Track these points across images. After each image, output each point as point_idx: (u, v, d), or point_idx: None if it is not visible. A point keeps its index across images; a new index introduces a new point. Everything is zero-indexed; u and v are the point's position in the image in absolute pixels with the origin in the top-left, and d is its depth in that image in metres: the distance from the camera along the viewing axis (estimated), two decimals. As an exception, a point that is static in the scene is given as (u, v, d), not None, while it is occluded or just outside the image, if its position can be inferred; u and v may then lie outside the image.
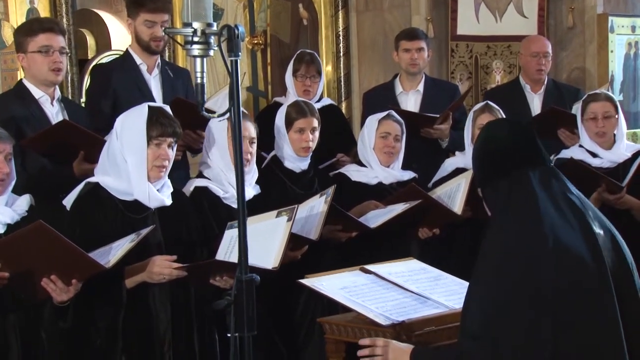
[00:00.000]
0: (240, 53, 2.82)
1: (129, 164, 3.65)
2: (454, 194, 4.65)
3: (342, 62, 7.48)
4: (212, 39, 2.87)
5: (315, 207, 4.24)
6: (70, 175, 4.17)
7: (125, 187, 3.67)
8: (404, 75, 5.84)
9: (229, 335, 2.82)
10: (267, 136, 4.80)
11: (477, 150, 3.04)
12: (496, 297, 2.76)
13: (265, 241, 3.71)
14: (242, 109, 4.04)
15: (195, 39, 2.86)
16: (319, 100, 5.62)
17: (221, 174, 4.19)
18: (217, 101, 5.26)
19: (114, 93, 4.84)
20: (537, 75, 6.02)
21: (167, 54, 6.52)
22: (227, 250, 3.72)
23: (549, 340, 2.72)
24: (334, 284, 3.40)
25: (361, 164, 4.95)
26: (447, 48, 7.14)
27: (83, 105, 5.77)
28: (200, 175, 4.29)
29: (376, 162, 4.87)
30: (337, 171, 4.99)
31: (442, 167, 5.13)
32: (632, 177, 4.81)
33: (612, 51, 6.96)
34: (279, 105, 4.96)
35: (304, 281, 3.48)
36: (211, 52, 2.90)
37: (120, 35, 8.48)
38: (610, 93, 5.36)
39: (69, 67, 5.28)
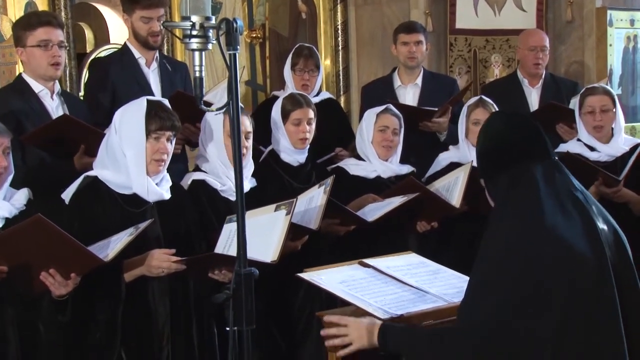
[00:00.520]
0: (238, 47, 2.83)
1: (128, 158, 3.65)
2: (452, 187, 4.65)
3: (340, 56, 7.48)
4: (211, 33, 2.87)
5: (315, 197, 4.25)
6: (70, 169, 4.17)
7: (124, 181, 3.67)
8: (403, 69, 5.84)
9: (227, 329, 2.82)
10: (265, 130, 4.79)
11: (478, 144, 3.04)
12: (496, 292, 2.76)
13: (264, 235, 3.71)
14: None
15: (194, 32, 2.85)
16: (317, 94, 5.62)
17: (218, 167, 4.19)
18: (217, 94, 5.25)
19: (112, 87, 4.84)
20: (534, 69, 6.02)
21: (165, 48, 6.52)
22: (225, 243, 3.72)
23: (548, 337, 2.72)
24: (333, 278, 3.39)
25: (359, 158, 4.94)
26: (446, 42, 7.14)
27: (81, 98, 5.76)
28: (197, 168, 4.29)
29: (374, 156, 4.87)
30: (335, 165, 4.99)
31: (436, 162, 5.13)
32: (629, 171, 4.80)
33: (610, 45, 6.96)
34: (277, 99, 4.96)
35: (303, 275, 3.47)
36: (210, 46, 2.90)
37: (119, 29, 8.46)
38: (608, 87, 5.35)
39: (67, 60, 5.27)
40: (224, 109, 2.85)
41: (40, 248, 3.25)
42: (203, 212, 4.09)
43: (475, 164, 4.64)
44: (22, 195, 3.61)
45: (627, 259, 2.89)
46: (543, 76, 6.07)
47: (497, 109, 4.93)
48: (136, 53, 4.94)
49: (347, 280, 3.44)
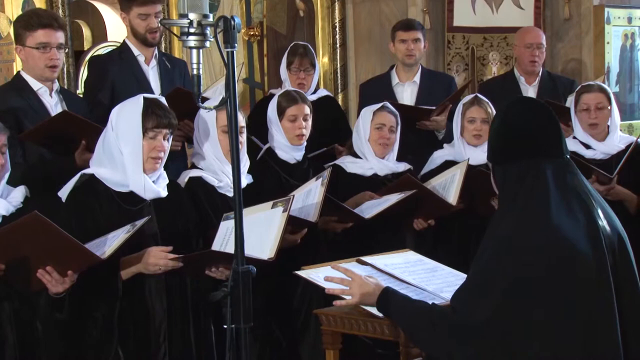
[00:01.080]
0: (236, 44, 2.83)
1: (125, 156, 3.65)
2: (448, 185, 4.66)
3: (338, 54, 7.47)
4: (208, 30, 2.87)
5: (312, 190, 4.26)
6: (70, 166, 4.16)
7: (121, 179, 3.67)
8: (400, 67, 5.84)
9: (225, 326, 2.82)
10: (263, 128, 4.80)
11: (494, 125, 3.00)
12: (495, 287, 2.77)
13: (261, 232, 3.71)
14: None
15: (192, 30, 2.86)
16: (314, 92, 5.62)
17: (214, 164, 4.19)
18: (216, 92, 5.26)
19: (112, 84, 4.84)
20: (530, 66, 6.02)
21: (163, 45, 6.51)
22: (222, 241, 3.72)
23: (544, 335, 2.72)
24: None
25: (356, 156, 4.94)
26: (444, 39, 7.14)
27: (79, 96, 5.76)
28: (194, 167, 4.29)
29: (371, 154, 4.87)
30: (332, 163, 4.99)
31: (431, 160, 5.13)
32: (622, 168, 4.79)
33: (608, 43, 6.96)
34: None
35: (300, 273, 3.48)
36: (207, 44, 2.90)
37: (116, 26, 8.45)
38: (603, 84, 5.34)
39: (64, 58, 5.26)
40: (221, 105, 2.85)
41: (37, 245, 3.25)
42: (201, 209, 4.09)
43: (471, 162, 4.68)
44: (19, 193, 3.60)
45: (628, 262, 2.89)
46: (540, 74, 6.08)
47: (492, 108, 4.93)
48: (135, 50, 4.95)
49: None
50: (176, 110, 3.90)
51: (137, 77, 4.90)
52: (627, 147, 4.97)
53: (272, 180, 4.56)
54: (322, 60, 7.44)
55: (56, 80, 4.53)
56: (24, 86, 4.41)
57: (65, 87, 5.92)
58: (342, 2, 7.44)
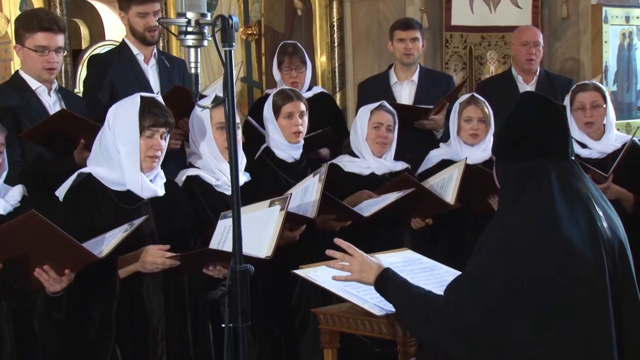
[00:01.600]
0: (234, 43, 2.83)
1: (122, 155, 3.65)
2: (446, 184, 4.66)
3: (336, 53, 7.47)
4: (206, 29, 2.87)
5: (310, 187, 4.26)
6: (69, 165, 4.16)
7: (118, 178, 3.67)
8: (399, 66, 5.84)
9: (223, 325, 2.83)
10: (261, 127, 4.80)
11: (504, 122, 2.99)
12: (493, 284, 2.77)
13: (258, 230, 3.71)
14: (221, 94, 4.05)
15: (189, 29, 2.86)
16: (309, 89, 5.62)
17: (211, 162, 4.19)
18: (215, 91, 5.25)
19: (111, 84, 4.84)
20: (527, 64, 6.03)
21: (161, 44, 6.51)
22: (220, 240, 3.72)
23: (537, 338, 2.73)
24: (328, 275, 3.40)
25: (354, 155, 4.95)
26: (442, 38, 7.14)
27: (78, 95, 5.76)
28: (191, 166, 4.29)
29: (369, 153, 4.87)
30: (329, 162, 4.99)
31: (427, 159, 5.12)
32: (617, 167, 4.79)
33: (606, 42, 6.97)
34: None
35: (298, 272, 3.48)
36: (205, 43, 2.90)
37: (114, 25, 8.45)
38: (599, 83, 5.34)
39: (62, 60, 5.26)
40: (218, 104, 2.85)
41: (34, 244, 3.24)
42: (199, 207, 4.09)
43: (468, 161, 4.68)
44: (16, 192, 3.60)
45: (628, 267, 2.90)
46: (537, 73, 6.08)
47: (489, 107, 4.94)
48: (134, 50, 4.95)
49: (343, 276, 3.44)
50: (175, 108, 3.89)
51: (137, 76, 4.90)
52: (623, 145, 4.97)
53: (270, 179, 4.56)
54: (320, 59, 7.45)
55: (55, 80, 4.54)
56: (23, 85, 4.41)
57: (63, 86, 5.92)
58: (340, 1, 7.45)
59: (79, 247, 3.29)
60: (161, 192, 3.75)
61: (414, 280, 3.45)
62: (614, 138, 5.09)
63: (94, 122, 4.23)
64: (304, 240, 4.21)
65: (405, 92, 5.81)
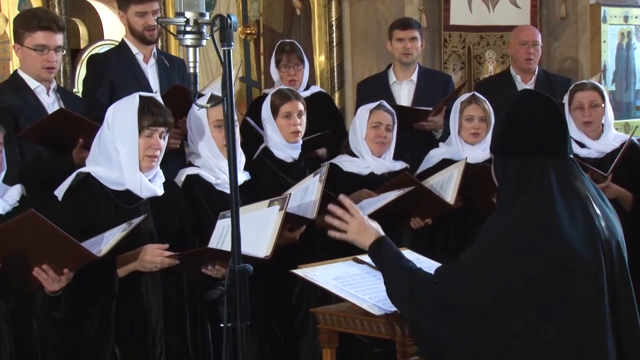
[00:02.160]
0: (232, 43, 2.83)
1: (121, 154, 3.65)
2: (445, 184, 4.65)
3: (335, 52, 7.47)
4: (205, 29, 2.87)
5: (310, 187, 4.26)
6: (68, 164, 4.16)
7: (117, 177, 3.67)
8: (398, 65, 5.84)
9: (222, 325, 2.83)
10: (259, 128, 4.80)
11: (502, 120, 2.99)
12: (487, 276, 2.77)
13: (258, 230, 3.71)
14: (218, 93, 4.05)
15: (188, 28, 2.86)
16: (307, 89, 5.63)
17: (210, 161, 4.19)
18: (214, 90, 5.26)
19: (111, 83, 4.84)
20: (525, 64, 6.03)
21: (160, 44, 6.51)
22: (219, 239, 3.72)
23: (529, 335, 2.73)
24: (327, 274, 3.40)
25: (353, 155, 4.94)
26: (440, 38, 7.14)
27: (77, 94, 5.76)
28: (190, 165, 4.29)
29: (368, 153, 4.87)
30: (328, 161, 4.99)
31: (427, 158, 5.11)
32: (616, 166, 4.79)
33: (604, 41, 6.97)
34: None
35: (297, 271, 3.48)
36: (204, 42, 2.90)
37: (113, 25, 8.46)
38: (597, 83, 5.34)
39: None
40: (217, 103, 2.85)
41: (33, 244, 3.24)
42: (198, 206, 4.09)
43: (469, 160, 4.68)
44: (15, 192, 3.60)
45: (624, 269, 2.90)
46: (536, 72, 6.08)
47: (490, 106, 4.93)
48: (134, 49, 4.95)
49: (342, 276, 3.45)
50: (175, 107, 3.89)
51: (136, 76, 4.90)
52: (622, 145, 4.97)
53: (269, 179, 4.56)
54: (319, 59, 7.45)
55: (53, 79, 4.54)
56: (21, 84, 4.41)
57: (62, 85, 5.93)
58: (339, 1, 7.45)
59: (78, 246, 3.29)
60: (160, 191, 3.75)
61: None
62: (613, 137, 5.08)
63: (92, 121, 4.24)
64: (304, 240, 4.21)
65: (404, 92, 5.81)
